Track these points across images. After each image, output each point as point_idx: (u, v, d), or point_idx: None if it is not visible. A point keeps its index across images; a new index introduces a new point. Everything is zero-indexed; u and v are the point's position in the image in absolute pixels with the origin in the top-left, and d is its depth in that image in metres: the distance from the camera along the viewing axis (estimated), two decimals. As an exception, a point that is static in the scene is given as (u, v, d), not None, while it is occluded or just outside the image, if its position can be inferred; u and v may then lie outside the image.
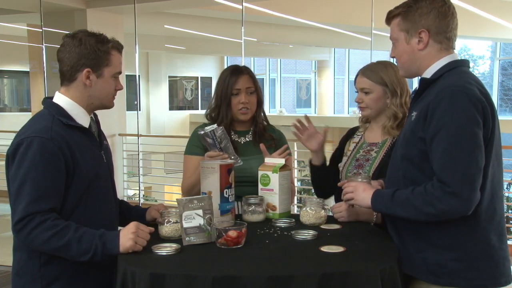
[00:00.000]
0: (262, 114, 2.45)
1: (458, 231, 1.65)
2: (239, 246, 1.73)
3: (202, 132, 2.19)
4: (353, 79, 2.26)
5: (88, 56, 1.79)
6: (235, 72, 2.36)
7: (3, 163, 1.81)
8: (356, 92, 2.24)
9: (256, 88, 2.38)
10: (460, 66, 1.73)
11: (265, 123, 2.46)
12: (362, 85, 2.18)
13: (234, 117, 2.37)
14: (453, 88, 1.62)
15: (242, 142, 2.39)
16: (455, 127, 1.59)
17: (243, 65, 2.47)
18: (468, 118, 1.59)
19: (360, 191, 1.82)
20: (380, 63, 2.20)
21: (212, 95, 2.43)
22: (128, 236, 1.68)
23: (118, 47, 1.87)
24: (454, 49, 1.76)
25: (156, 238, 1.81)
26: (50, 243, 1.66)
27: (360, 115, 2.28)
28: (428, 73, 1.74)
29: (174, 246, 1.71)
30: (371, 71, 2.17)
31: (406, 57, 1.76)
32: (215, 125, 2.21)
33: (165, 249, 1.69)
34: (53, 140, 1.70)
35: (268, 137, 2.43)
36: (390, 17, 1.79)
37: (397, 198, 1.69)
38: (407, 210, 1.66)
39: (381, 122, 2.20)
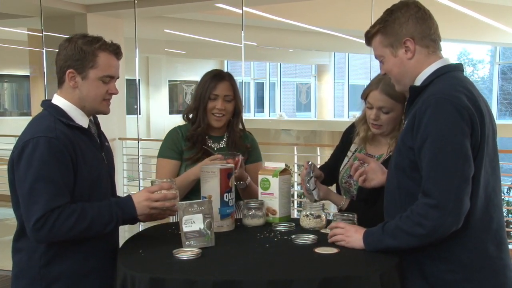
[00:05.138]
0: (241, 123, 2.43)
1: (452, 242, 1.62)
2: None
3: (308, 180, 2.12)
4: (364, 91, 2.11)
5: (73, 57, 1.78)
6: (216, 78, 2.34)
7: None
8: (368, 107, 2.09)
9: (235, 97, 2.35)
10: (450, 71, 1.68)
11: (241, 132, 2.43)
12: (381, 103, 2.04)
13: (208, 122, 2.35)
14: (438, 96, 1.58)
15: (215, 148, 2.37)
16: (439, 137, 1.55)
17: (226, 71, 2.44)
18: (453, 127, 1.55)
19: (352, 232, 1.76)
20: None
21: (192, 97, 2.43)
22: (142, 204, 1.78)
23: (110, 49, 1.81)
24: (441, 50, 1.73)
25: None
26: (76, 228, 1.68)
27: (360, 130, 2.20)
28: (419, 80, 1.70)
29: (195, 251, 1.70)
30: (391, 87, 1.94)
31: (396, 70, 1.72)
32: (313, 179, 2.14)
33: (186, 253, 1.68)
34: (59, 139, 1.71)
35: (242, 147, 2.40)
36: (369, 38, 1.76)
37: (387, 229, 1.67)
38: (399, 238, 1.63)
39: (389, 136, 2.12)
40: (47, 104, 1.84)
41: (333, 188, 2.27)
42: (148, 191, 1.81)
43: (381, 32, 1.71)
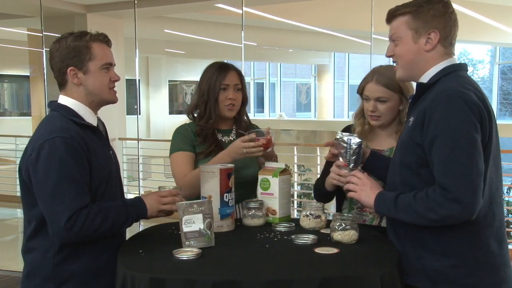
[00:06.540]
0: (245, 116, 2.42)
1: (455, 237, 1.64)
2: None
3: (339, 137, 1.98)
4: (359, 85, 2.13)
5: (68, 55, 1.79)
6: (223, 68, 2.33)
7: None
8: (366, 99, 2.09)
9: (242, 86, 2.34)
10: (457, 70, 1.71)
11: (248, 123, 2.43)
12: (377, 94, 2.05)
13: (219, 113, 2.32)
14: (449, 92, 1.60)
15: (226, 142, 2.34)
16: (453, 132, 1.57)
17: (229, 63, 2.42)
18: (466, 123, 1.57)
19: (367, 187, 1.79)
20: (390, 68, 2.03)
21: (195, 92, 2.39)
22: (154, 206, 1.87)
23: (100, 38, 1.84)
24: (454, 55, 1.76)
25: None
26: (101, 228, 1.73)
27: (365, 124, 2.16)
28: (425, 78, 1.73)
29: (195, 251, 1.70)
30: (386, 77, 2.00)
31: (410, 57, 1.73)
32: (354, 136, 1.98)
33: (186, 253, 1.68)
34: (73, 138, 1.72)
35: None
36: (395, 15, 1.73)
37: (400, 203, 1.67)
38: (409, 215, 1.65)
39: (390, 129, 2.13)
40: (55, 104, 1.84)
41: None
42: (158, 194, 1.90)
43: (412, 14, 1.70)
